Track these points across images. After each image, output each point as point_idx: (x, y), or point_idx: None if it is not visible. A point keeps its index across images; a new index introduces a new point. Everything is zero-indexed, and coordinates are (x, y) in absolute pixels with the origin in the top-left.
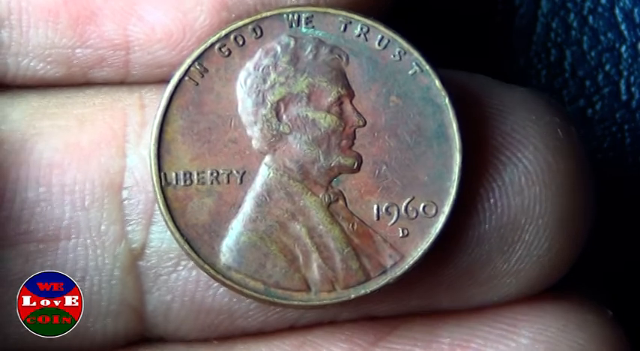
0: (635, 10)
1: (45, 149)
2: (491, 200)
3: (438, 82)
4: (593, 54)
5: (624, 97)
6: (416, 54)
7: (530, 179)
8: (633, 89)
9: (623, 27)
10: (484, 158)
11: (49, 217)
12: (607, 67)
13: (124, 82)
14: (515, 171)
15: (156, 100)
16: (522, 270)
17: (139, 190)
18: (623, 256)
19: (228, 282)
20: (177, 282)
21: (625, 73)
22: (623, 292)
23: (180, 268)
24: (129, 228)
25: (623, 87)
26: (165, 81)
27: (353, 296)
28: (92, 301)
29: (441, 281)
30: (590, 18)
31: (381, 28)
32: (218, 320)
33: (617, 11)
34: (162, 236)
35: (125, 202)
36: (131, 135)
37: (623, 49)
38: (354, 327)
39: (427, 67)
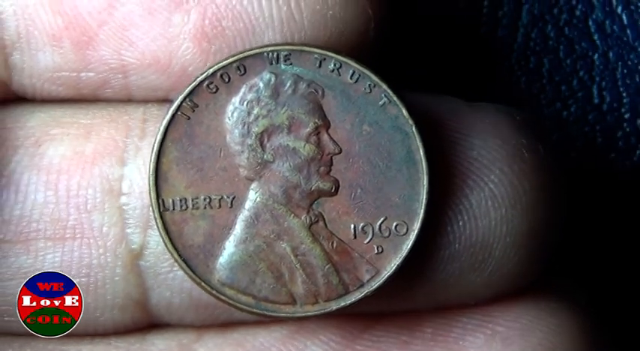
0: (607, 22)
1: (54, 155)
2: (460, 222)
3: (405, 112)
4: (568, 61)
5: (596, 101)
6: (384, 86)
7: (496, 202)
8: (604, 93)
9: (595, 37)
10: (452, 182)
11: (57, 217)
12: (581, 74)
13: (130, 100)
14: (481, 195)
15: (158, 115)
16: (495, 281)
17: (136, 197)
18: (595, 248)
19: (222, 297)
20: (175, 280)
21: (597, 79)
22: (599, 286)
23: (177, 268)
24: (128, 230)
25: (595, 91)
26: (167, 100)
27: (334, 308)
28: (98, 294)
29: (417, 292)
30: (566, 29)
31: (353, 63)
32: (217, 313)
33: (590, 23)
34: (158, 239)
35: (124, 208)
36: (130, 146)
37: (596, 57)
38: (344, 316)
39: (395, 98)
